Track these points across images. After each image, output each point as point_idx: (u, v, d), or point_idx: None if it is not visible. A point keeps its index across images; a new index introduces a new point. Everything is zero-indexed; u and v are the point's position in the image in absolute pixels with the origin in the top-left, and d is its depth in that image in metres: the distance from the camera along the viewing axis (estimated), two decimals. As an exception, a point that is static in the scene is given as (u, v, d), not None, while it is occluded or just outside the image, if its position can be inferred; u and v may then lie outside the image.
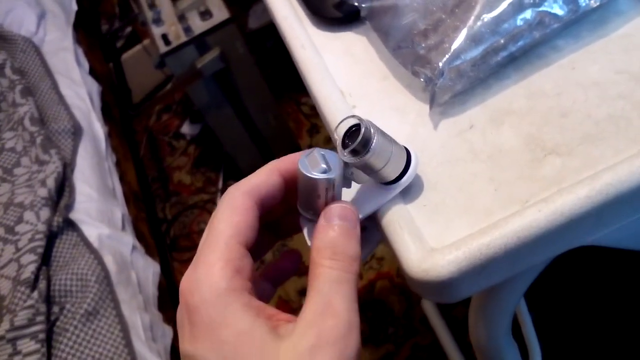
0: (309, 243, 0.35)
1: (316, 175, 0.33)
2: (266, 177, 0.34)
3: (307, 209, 0.35)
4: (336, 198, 0.34)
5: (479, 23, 0.39)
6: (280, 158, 0.36)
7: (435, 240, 0.34)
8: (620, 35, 0.40)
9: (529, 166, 0.35)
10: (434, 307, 1.20)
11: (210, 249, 0.31)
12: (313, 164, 0.33)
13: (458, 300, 0.34)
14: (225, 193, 0.34)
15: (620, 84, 0.37)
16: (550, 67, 0.40)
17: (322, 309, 0.29)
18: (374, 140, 0.32)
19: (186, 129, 1.89)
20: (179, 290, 0.31)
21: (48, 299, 0.96)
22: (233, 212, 0.32)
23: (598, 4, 0.40)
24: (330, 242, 0.31)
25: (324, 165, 0.33)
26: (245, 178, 0.34)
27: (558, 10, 0.40)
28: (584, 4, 0.40)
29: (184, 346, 0.30)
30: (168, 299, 1.21)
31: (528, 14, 0.39)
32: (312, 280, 0.30)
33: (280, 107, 1.74)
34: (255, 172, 0.35)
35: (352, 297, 0.30)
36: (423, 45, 0.41)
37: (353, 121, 0.34)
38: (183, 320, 0.30)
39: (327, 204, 0.33)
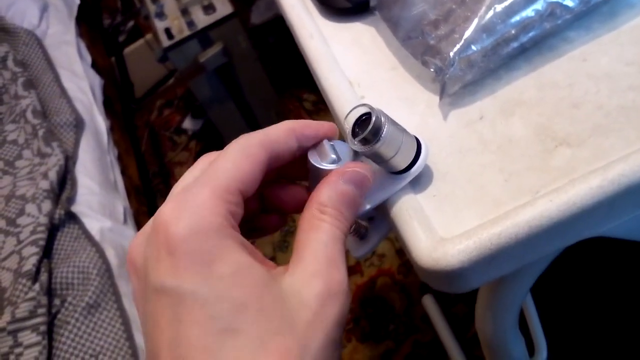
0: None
1: (326, 166, 0.33)
2: (284, 137, 0.32)
3: None
4: None
5: (490, 13, 0.39)
6: (298, 120, 0.33)
7: (445, 230, 0.34)
8: (631, 27, 0.40)
9: (540, 157, 0.35)
10: (434, 304, 1.20)
11: (209, 182, 0.28)
12: (323, 155, 0.33)
13: (467, 290, 0.34)
14: (240, 138, 0.31)
15: (631, 76, 0.37)
16: (561, 59, 0.40)
17: (326, 261, 0.28)
18: (385, 129, 0.32)
19: (188, 124, 1.89)
20: (154, 220, 0.27)
21: (49, 292, 0.96)
22: (245, 159, 0.29)
23: (609, -5, 0.40)
24: (338, 201, 0.30)
25: (333, 156, 0.33)
26: (262, 131, 0.32)
27: (569, 1, 0.39)
28: (595, -4, 0.40)
29: (161, 279, 0.26)
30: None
31: (539, 4, 0.39)
32: (311, 231, 0.29)
33: (282, 103, 1.73)
34: (272, 128, 0.32)
35: (344, 258, 0.30)
36: (433, 35, 0.40)
37: (363, 110, 0.33)
38: (159, 251, 0.26)
39: None
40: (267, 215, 0.36)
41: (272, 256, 1.47)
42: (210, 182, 0.28)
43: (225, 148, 0.30)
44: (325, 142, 0.33)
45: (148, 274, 0.27)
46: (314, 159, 0.33)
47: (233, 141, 0.31)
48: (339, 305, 0.27)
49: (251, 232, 0.35)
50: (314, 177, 0.34)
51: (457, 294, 0.35)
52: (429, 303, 1.21)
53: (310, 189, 0.34)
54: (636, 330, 0.99)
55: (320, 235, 0.29)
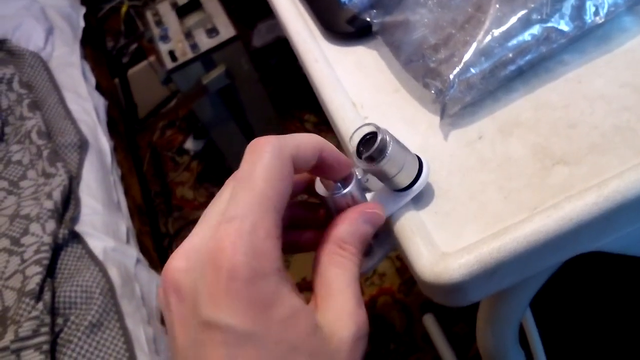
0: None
1: (333, 194, 0.34)
2: (312, 151, 0.31)
3: None
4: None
5: (488, 38, 0.41)
6: (324, 141, 0.32)
7: (446, 245, 0.35)
8: (625, 50, 0.42)
9: (538, 175, 0.36)
10: (435, 323, 1.20)
11: (260, 216, 0.27)
12: (328, 183, 0.35)
13: (468, 303, 0.35)
14: (271, 143, 0.29)
15: (624, 97, 0.38)
16: (557, 81, 0.41)
17: (356, 301, 0.30)
18: (390, 147, 0.34)
19: (190, 144, 1.91)
20: (211, 251, 0.27)
21: (52, 311, 0.96)
22: (281, 178, 0.29)
23: (603, 20, 0.42)
24: (357, 240, 0.32)
25: (338, 183, 0.34)
26: (292, 137, 0.30)
27: (564, 26, 0.41)
28: (589, 21, 0.41)
29: (216, 315, 0.26)
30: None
31: (536, 29, 0.41)
32: (335, 267, 0.31)
33: (284, 124, 1.75)
34: (301, 138, 0.31)
35: None
36: (434, 58, 0.42)
37: (368, 129, 0.35)
38: (217, 286, 0.26)
39: None
40: (301, 231, 0.36)
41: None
42: (260, 209, 0.27)
43: (252, 151, 0.29)
44: None
45: (199, 304, 0.26)
46: (320, 189, 0.35)
47: (261, 143, 0.29)
48: (365, 344, 0.29)
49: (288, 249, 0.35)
50: (325, 204, 0.35)
51: (458, 310, 0.36)
52: (429, 322, 1.21)
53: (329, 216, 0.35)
54: (636, 344, 0.99)
55: (345, 272, 0.31)
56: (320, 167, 0.32)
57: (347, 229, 0.32)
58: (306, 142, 0.31)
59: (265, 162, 0.29)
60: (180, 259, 0.29)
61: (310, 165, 0.32)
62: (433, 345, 1.19)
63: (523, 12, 0.41)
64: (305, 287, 1.43)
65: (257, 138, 0.30)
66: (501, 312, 0.44)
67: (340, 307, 0.29)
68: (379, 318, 1.33)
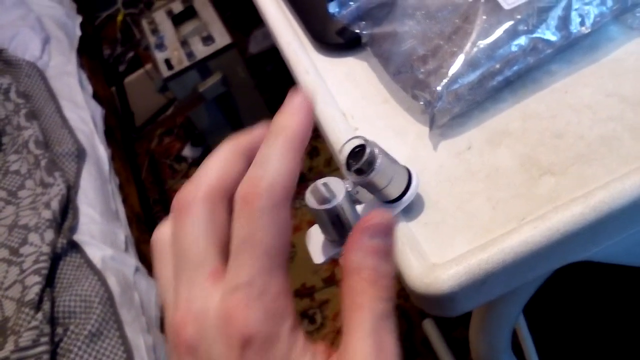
0: (316, 259, 0.36)
1: (323, 206, 0.34)
2: (233, 165, 0.29)
3: (326, 234, 0.36)
4: (351, 217, 0.35)
5: (475, 49, 0.41)
6: (238, 138, 0.30)
7: (436, 256, 0.36)
8: (611, 59, 0.42)
9: (525, 185, 0.37)
10: (435, 328, 1.20)
11: (264, 272, 0.26)
12: (317, 196, 0.35)
13: (459, 314, 0.36)
14: (187, 200, 0.28)
15: (611, 107, 0.39)
16: (544, 91, 0.42)
17: (376, 351, 0.26)
18: (379, 160, 0.34)
19: (187, 152, 1.91)
20: (223, 314, 0.26)
21: (52, 320, 0.97)
22: (213, 225, 0.28)
23: (589, 30, 0.42)
24: (370, 261, 0.28)
25: (327, 195, 0.35)
26: (205, 170, 0.29)
27: (551, 36, 0.42)
28: (575, 31, 0.42)
29: None
30: (170, 321, 1.22)
31: (522, 40, 0.41)
32: (354, 311, 0.27)
33: (280, 129, 1.75)
34: (214, 161, 0.29)
35: (395, 332, 0.28)
36: (422, 70, 0.43)
37: (358, 142, 0.35)
38: (231, 351, 0.26)
39: (344, 225, 0.35)
40: None
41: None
42: (267, 274, 0.26)
43: (176, 214, 0.28)
44: (317, 183, 0.35)
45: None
46: (310, 202, 0.35)
47: (180, 203, 0.28)
48: None
49: None
50: (316, 218, 0.35)
51: (453, 317, 0.36)
52: (429, 327, 1.21)
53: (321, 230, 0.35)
54: (628, 349, 1.00)
55: (365, 316, 0.27)
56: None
57: (355, 257, 0.28)
58: (220, 162, 0.30)
59: (190, 222, 0.28)
60: (190, 312, 0.28)
61: (243, 170, 0.29)
62: (433, 351, 1.20)
63: (509, 23, 0.41)
64: (305, 293, 1.44)
65: (176, 196, 0.29)
66: (493, 320, 0.45)
67: (357, 356, 0.26)
68: (378, 323, 1.32)
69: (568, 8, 0.42)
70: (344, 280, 0.28)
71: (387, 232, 0.28)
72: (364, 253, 0.28)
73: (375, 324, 0.26)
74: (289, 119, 0.28)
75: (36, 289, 0.98)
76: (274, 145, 0.28)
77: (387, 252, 0.28)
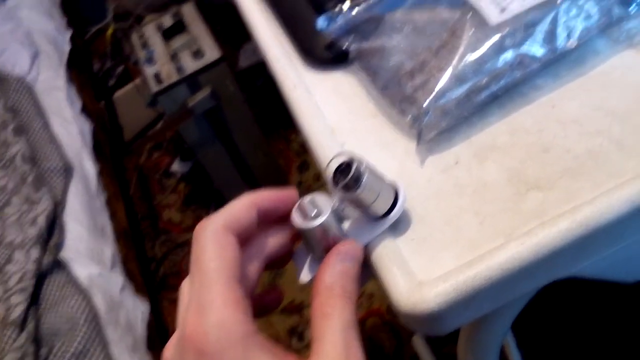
0: (302, 278, 0.36)
1: (309, 224, 0.34)
2: (245, 211, 0.34)
3: (312, 251, 0.36)
4: (338, 234, 0.35)
5: (462, 64, 0.41)
6: (257, 193, 0.35)
7: (423, 273, 0.35)
8: (597, 73, 0.42)
9: (512, 200, 0.37)
10: (424, 344, 1.19)
11: (213, 291, 0.30)
12: (303, 213, 0.35)
13: (447, 332, 0.35)
14: (205, 227, 0.32)
15: (598, 120, 0.39)
16: (531, 105, 0.41)
17: (344, 351, 0.30)
18: (365, 176, 0.34)
19: (176, 166, 1.90)
20: (185, 336, 0.30)
21: (37, 340, 0.95)
22: (222, 249, 0.31)
23: (576, 44, 0.42)
24: (341, 279, 0.32)
25: (313, 213, 0.34)
26: (223, 210, 0.33)
27: (537, 51, 0.42)
28: (561, 45, 0.42)
29: None
30: (157, 339, 1.20)
31: (509, 55, 0.41)
32: (324, 319, 0.31)
33: (270, 144, 1.75)
34: (232, 204, 0.34)
35: (360, 339, 0.31)
36: (409, 85, 0.42)
37: (344, 158, 0.35)
38: None
39: (329, 242, 0.35)
40: (265, 294, 0.38)
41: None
42: (213, 288, 0.30)
43: (199, 239, 0.32)
44: (304, 199, 0.35)
45: None
46: (296, 219, 0.35)
47: (202, 230, 0.32)
48: None
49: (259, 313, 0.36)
50: (302, 234, 0.35)
51: (440, 335, 0.36)
52: (418, 343, 1.20)
53: (303, 243, 0.36)
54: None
55: (334, 323, 0.31)
56: (268, 215, 0.35)
57: (330, 274, 0.33)
58: (237, 206, 0.34)
59: (204, 244, 0.32)
60: (170, 348, 0.32)
61: (253, 221, 0.34)
62: (423, 366, 1.19)
63: (496, 38, 0.41)
64: (294, 310, 1.42)
65: (198, 224, 0.33)
66: (481, 337, 0.44)
67: (329, 356, 0.29)
68: (368, 340, 1.32)
69: (554, 23, 0.42)
70: (314, 297, 0.32)
71: (356, 259, 0.34)
72: (336, 273, 0.33)
73: (343, 330, 0.30)
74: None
75: (21, 308, 0.97)
76: None
77: (353, 275, 0.33)
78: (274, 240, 0.36)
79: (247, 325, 0.29)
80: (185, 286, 0.33)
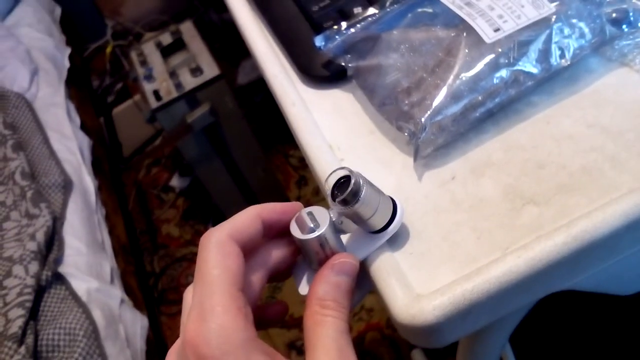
0: (301, 290, 0.36)
1: (307, 236, 0.35)
2: (250, 222, 0.34)
3: (310, 262, 0.37)
4: (335, 247, 0.35)
5: (458, 81, 0.42)
6: (263, 205, 0.36)
7: (421, 286, 0.36)
8: (591, 91, 0.43)
9: (509, 215, 0.37)
10: (424, 358, 1.19)
11: (214, 297, 0.30)
12: (302, 225, 0.35)
13: (446, 344, 0.36)
14: (210, 236, 0.33)
15: (592, 137, 0.40)
16: (526, 122, 0.42)
17: (338, 357, 0.30)
18: (363, 191, 0.34)
19: (175, 182, 1.91)
20: (186, 342, 0.30)
21: (35, 354, 0.95)
22: (226, 258, 0.32)
23: (569, 62, 0.43)
24: (335, 293, 0.33)
25: (312, 225, 0.35)
26: (229, 220, 0.34)
27: (532, 69, 0.43)
28: (555, 63, 0.43)
29: None
30: (156, 354, 1.20)
31: (503, 72, 0.42)
32: (317, 327, 0.32)
33: (268, 159, 1.76)
34: (238, 215, 0.35)
35: (352, 347, 0.32)
36: (406, 102, 0.43)
37: (343, 172, 0.36)
38: None
39: (327, 255, 0.35)
40: (269, 306, 0.39)
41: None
42: (215, 296, 0.30)
43: (204, 248, 0.33)
44: (303, 212, 0.36)
45: None
46: (295, 231, 0.35)
47: (208, 239, 0.33)
48: None
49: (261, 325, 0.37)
50: (300, 246, 0.36)
51: (439, 348, 0.36)
52: (418, 357, 1.20)
53: (301, 254, 0.37)
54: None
55: (326, 330, 0.32)
56: (273, 227, 0.36)
57: (323, 287, 0.33)
58: (243, 217, 0.34)
59: (209, 252, 0.32)
60: (170, 356, 0.33)
61: (258, 233, 0.35)
62: (422, 381, 1.19)
63: (491, 56, 0.42)
64: (293, 324, 1.42)
65: (204, 234, 0.34)
66: (480, 349, 0.44)
67: None
68: (368, 354, 1.32)
69: (548, 41, 0.43)
70: (307, 308, 0.33)
71: (350, 272, 0.34)
72: (330, 286, 0.33)
73: (336, 337, 0.31)
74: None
75: (19, 322, 0.96)
76: None
77: (347, 288, 0.34)
78: (278, 252, 0.36)
79: (247, 331, 0.30)
80: (188, 293, 0.34)
